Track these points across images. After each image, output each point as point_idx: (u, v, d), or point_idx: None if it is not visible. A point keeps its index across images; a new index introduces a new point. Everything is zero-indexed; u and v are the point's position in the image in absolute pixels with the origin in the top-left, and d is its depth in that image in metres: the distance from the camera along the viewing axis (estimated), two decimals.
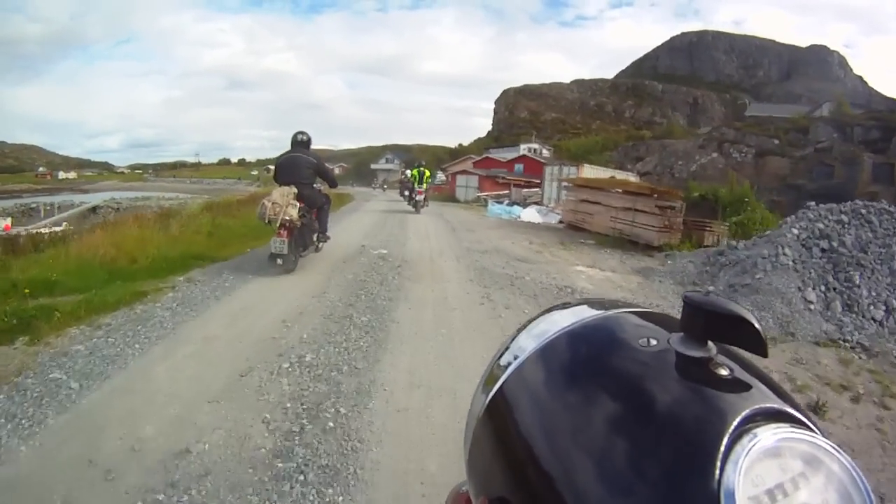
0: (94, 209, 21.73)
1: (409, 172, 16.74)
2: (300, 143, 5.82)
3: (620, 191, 10.43)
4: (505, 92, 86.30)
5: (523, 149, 42.07)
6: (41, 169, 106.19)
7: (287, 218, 5.15)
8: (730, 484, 0.27)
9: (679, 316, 0.36)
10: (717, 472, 0.27)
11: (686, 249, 9.28)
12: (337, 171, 73.95)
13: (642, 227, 9.47)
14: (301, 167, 5.63)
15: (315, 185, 5.94)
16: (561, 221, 14.09)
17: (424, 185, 14.89)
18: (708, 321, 0.34)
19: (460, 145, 69.27)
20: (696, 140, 25.89)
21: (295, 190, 5.38)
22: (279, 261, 5.29)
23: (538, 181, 27.52)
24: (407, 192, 16.44)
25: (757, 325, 0.33)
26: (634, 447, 0.31)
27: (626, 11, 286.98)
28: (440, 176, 52.41)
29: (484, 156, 41.56)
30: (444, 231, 10.38)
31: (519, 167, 33.36)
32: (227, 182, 62.33)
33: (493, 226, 12.52)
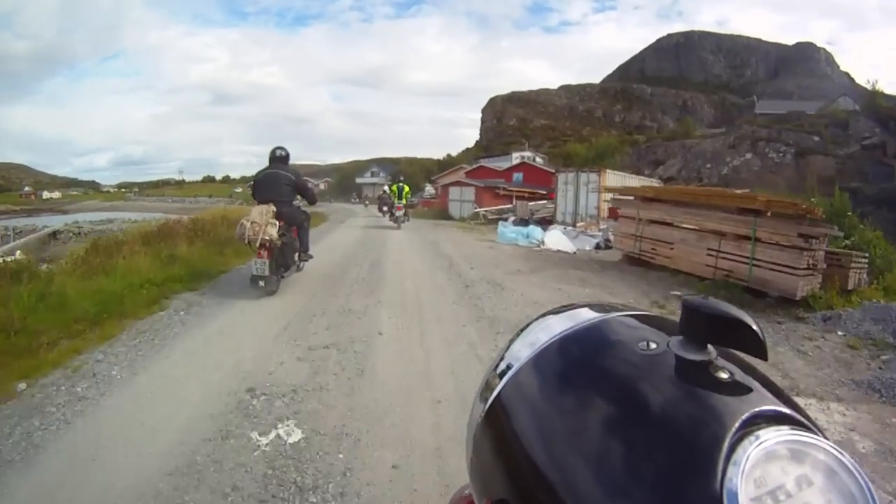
0: (54, 234, 20.03)
1: (387, 188, 17.03)
2: (278, 158, 5.70)
3: (729, 208, 6.72)
4: (492, 100, 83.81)
5: (516, 157, 38.91)
6: (26, 189, 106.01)
7: (267, 238, 5.01)
8: (732, 486, 0.27)
9: (678, 319, 0.36)
10: (720, 474, 0.28)
11: (838, 301, 5.73)
12: (322, 186, 69.70)
13: (771, 266, 5.84)
14: (280, 184, 5.50)
15: (295, 202, 5.77)
16: (601, 246, 10.53)
17: (404, 201, 15.07)
18: (707, 324, 0.34)
19: (448, 156, 65.77)
20: (725, 139, 22.27)
21: (274, 208, 5.24)
22: (261, 283, 5.14)
23: (543, 192, 24.09)
24: (386, 208, 16.74)
25: (756, 329, 0.33)
26: (636, 450, 0.31)
27: (610, 15, 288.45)
28: (428, 189, 48.32)
29: (477, 165, 38.09)
30: (447, 286, 6.23)
31: (518, 176, 29.87)
32: (209, 200, 61.07)
33: (516, 262, 8.31)
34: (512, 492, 0.36)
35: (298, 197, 5.78)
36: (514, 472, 0.36)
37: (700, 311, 0.34)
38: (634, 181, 17.54)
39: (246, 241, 5.02)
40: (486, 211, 20.94)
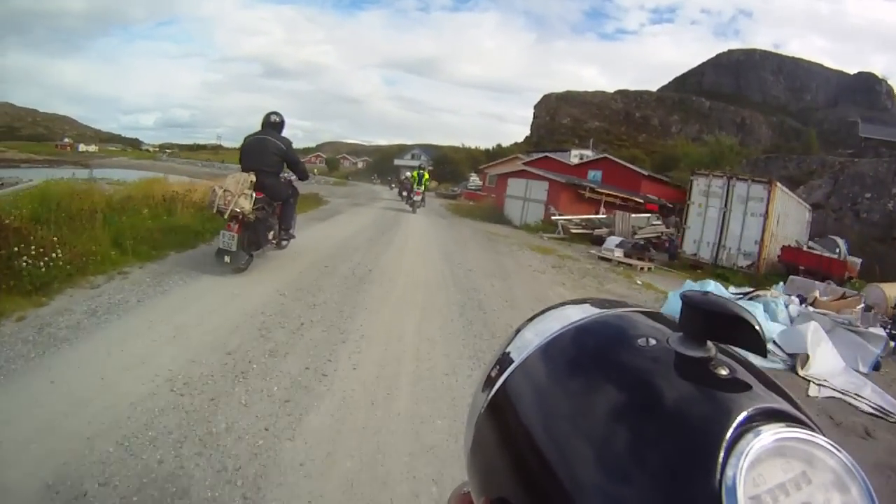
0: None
1: (409, 174, 17.53)
2: (271, 124, 5.25)
3: None
4: (546, 97, 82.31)
5: (574, 155, 32.88)
6: (66, 140, 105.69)
7: (238, 210, 4.61)
8: (731, 484, 0.27)
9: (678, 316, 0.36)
10: (719, 472, 0.27)
11: None
12: (361, 165, 67.77)
13: None
14: (267, 152, 5.05)
15: (283, 175, 5.34)
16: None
17: (423, 187, 15.81)
18: (707, 321, 0.34)
19: (499, 146, 61.82)
20: (890, 164, 16.38)
21: (252, 178, 4.81)
22: (226, 258, 4.74)
23: (639, 199, 18.91)
24: (405, 193, 17.09)
25: (756, 326, 0.33)
26: (635, 447, 0.31)
27: (667, 28, 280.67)
28: (474, 179, 43.55)
29: (541, 155, 32.55)
30: None
31: (595, 174, 23.79)
32: (239, 166, 59.83)
33: None
34: (511, 487, 0.36)
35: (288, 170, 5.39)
36: (515, 467, 0.36)
37: (700, 308, 0.34)
38: (793, 204, 12.89)
39: (215, 211, 4.68)
40: (566, 220, 15.71)
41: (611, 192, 18.62)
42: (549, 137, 66.61)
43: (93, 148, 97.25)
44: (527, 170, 21.12)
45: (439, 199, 30.74)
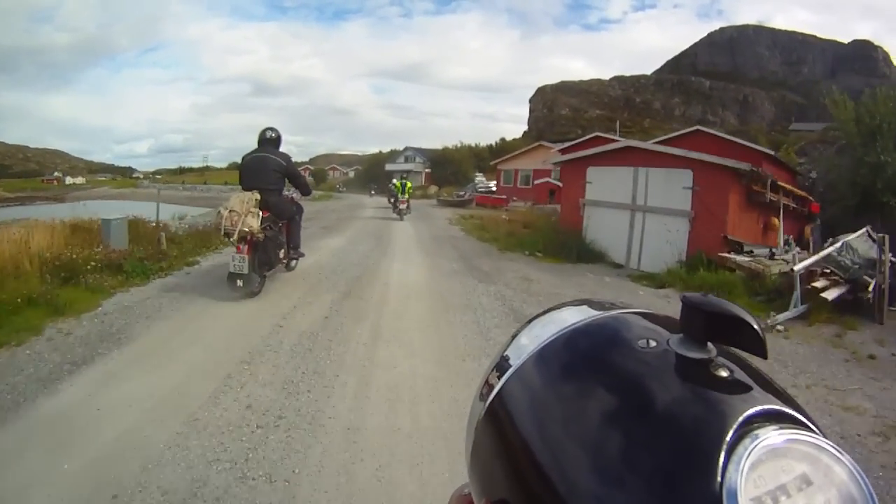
0: None
1: (395, 183, 18.21)
2: (268, 140, 5.16)
3: None
4: (541, 89, 78.58)
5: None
6: (56, 174, 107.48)
7: (246, 230, 4.54)
8: (732, 486, 0.27)
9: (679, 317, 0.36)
10: (719, 474, 0.27)
11: None
12: (351, 174, 60.99)
13: None
14: (268, 170, 4.96)
15: (285, 192, 5.29)
16: None
17: (406, 195, 16.58)
18: (707, 322, 0.33)
19: (503, 139, 55.30)
20: None
21: (257, 196, 4.75)
22: (239, 282, 4.63)
23: (807, 198, 10.24)
24: (392, 200, 17.62)
25: (756, 327, 0.33)
26: (636, 449, 0.30)
27: (650, 14, 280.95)
28: (480, 180, 35.33)
29: (592, 135, 23.11)
30: None
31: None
32: (223, 188, 54.92)
33: None
34: (513, 490, 0.36)
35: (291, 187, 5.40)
36: (515, 470, 0.36)
37: (700, 309, 0.34)
38: None
39: (223, 233, 4.70)
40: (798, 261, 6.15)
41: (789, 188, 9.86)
42: (550, 130, 62.28)
43: (80, 180, 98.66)
44: (639, 146, 10.57)
45: (442, 209, 22.59)
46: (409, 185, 17.37)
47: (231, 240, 4.55)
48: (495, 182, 30.83)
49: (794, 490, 0.28)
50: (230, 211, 4.53)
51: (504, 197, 23.69)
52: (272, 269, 5.06)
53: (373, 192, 32.98)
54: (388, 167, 48.41)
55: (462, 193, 29.44)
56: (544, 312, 0.46)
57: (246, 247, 4.51)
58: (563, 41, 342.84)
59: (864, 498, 0.28)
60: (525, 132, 70.81)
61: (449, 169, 41.55)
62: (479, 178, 37.14)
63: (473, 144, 52.37)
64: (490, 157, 44.04)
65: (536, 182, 24.64)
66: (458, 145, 48.25)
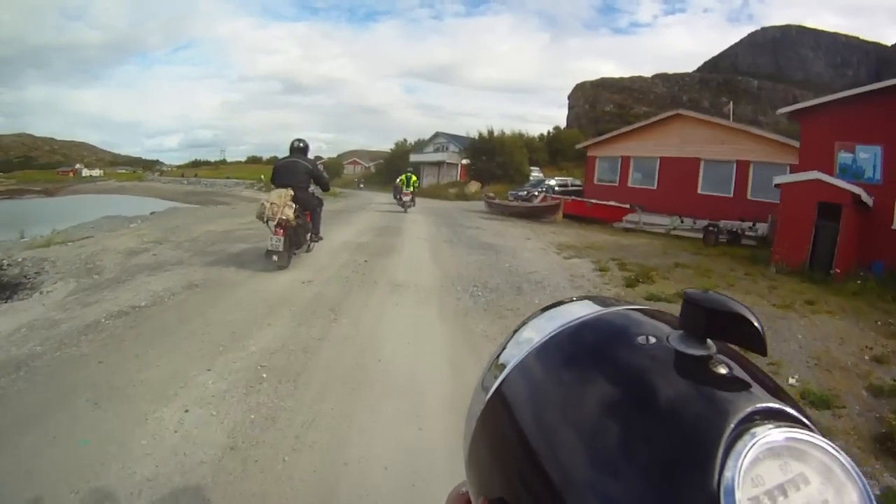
0: None
1: (400, 177, 18.09)
2: (298, 149, 6.35)
3: None
4: (580, 85, 73.61)
5: None
6: (77, 165, 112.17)
7: (284, 217, 5.63)
8: (730, 484, 0.26)
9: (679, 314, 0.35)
10: (717, 472, 0.27)
11: None
12: (373, 168, 56.28)
13: None
14: (298, 172, 6.11)
15: (309, 189, 6.32)
16: None
17: (411, 188, 17.13)
18: (707, 319, 0.33)
19: (557, 128, 49.19)
20: None
21: (292, 192, 5.84)
22: (275, 257, 5.73)
23: None
24: (398, 195, 17.76)
25: (757, 324, 0.33)
26: (633, 447, 0.30)
27: (680, 18, 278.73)
28: (536, 176, 29.05)
29: None
30: None
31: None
32: (226, 182, 50.61)
33: None
34: (510, 487, 0.36)
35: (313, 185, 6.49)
36: (513, 468, 0.36)
37: (700, 305, 0.33)
38: None
39: (264, 220, 5.69)
40: None
41: None
42: (593, 126, 57.88)
43: (97, 172, 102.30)
44: None
45: (503, 225, 13.59)
46: (414, 178, 17.72)
47: (270, 224, 5.66)
48: (574, 178, 23.88)
49: (791, 489, 0.28)
50: (271, 203, 5.62)
51: (627, 206, 15.56)
52: (300, 248, 6.42)
53: (361, 186, 30.45)
54: (414, 158, 38.70)
55: (521, 193, 21.65)
56: (545, 308, 0.45)
57: (282, 231, 5.68)
58: (593, 44, 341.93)
59: (862, 498, 0.28)
60: (564, 129, 66.58)
61: (497, 160, 32.12)
62: (535, 172, 30.99)
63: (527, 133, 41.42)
64: (544, 147, 38.69)
65: (779, 182, 9.72)
66: (501, 133, 36.19)
